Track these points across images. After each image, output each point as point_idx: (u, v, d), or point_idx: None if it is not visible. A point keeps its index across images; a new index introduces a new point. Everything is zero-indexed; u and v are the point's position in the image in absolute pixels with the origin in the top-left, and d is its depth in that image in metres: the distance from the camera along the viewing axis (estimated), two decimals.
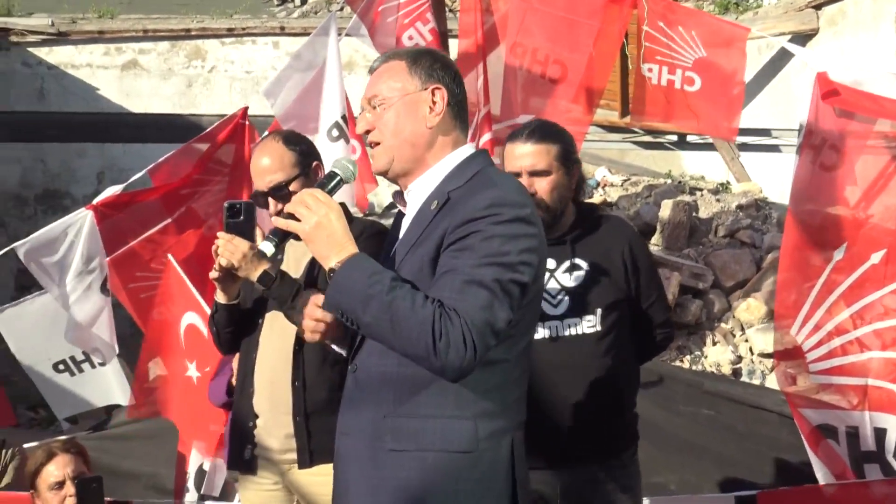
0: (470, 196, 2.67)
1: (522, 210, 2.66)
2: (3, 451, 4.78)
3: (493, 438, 2.69)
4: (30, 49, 13.01)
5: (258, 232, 3.71)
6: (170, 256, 5.05)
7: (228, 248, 3.65)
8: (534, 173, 3.81)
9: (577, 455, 3.78)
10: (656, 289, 4.14)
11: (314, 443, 3.85)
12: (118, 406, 7.11)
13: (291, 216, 2.70)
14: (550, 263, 3.80)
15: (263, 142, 4.00)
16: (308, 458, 3.86)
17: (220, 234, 3.69)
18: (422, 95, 2.82)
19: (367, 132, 2.86)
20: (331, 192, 2.80)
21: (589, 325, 3.82)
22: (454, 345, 2.48)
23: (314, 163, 3.97)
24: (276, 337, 3.92)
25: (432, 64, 2.86)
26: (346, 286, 2.60)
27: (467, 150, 2.88)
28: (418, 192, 2.84)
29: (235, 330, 4.03)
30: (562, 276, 3.84)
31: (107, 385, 5.79)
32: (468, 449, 2.65)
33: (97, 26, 13.15)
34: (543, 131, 3.90)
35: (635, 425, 4.04)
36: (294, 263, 3.96)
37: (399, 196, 2.94)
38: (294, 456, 3.89)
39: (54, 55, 13.05)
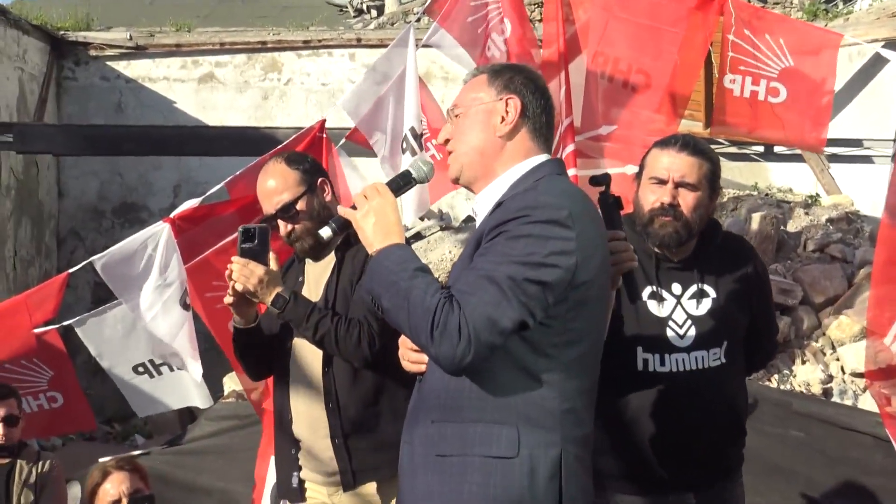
0: (513, 201, 2.72)
1: (558, 212, 2.66)
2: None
3: (538, 448, 2.67)
4: (108, 63, 13.32)
5: (272, 256, 3.76)
6: None
7: (244, 273, 3.70)
8: (682, 185, 3.66)
9: (695, 484, 3.71)
10: (770, 310, 4.06)
11: (356, 463, 3.87)
12: (193, 421, 7.21)
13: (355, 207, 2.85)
14: (676, 289, 3.71)
15: (266, 165, 4.03)
16: (352, 478, 3.87)
17: (235, 258, 3.73)
18: (496, 105, 2.87)
19: (447, 141, 2.95)
20: (400, 189, 2.95)
21: (714, 357, 3.69)
22: (448, 335, 2.54)
23: (319, 179, 4.00)
24: (305, 361, 3.94)
25: (513, 76, 2.91)
26: (377, 271, 2.73)
27: (538, 159, 2.89)
28: (486, 201, 2.88)
29: (259, 354, 4.05)
30: (688, 304, 3.72)
31: (185, 388, 5.83)
32: (507, 454, 2.66)
33: (174, 40, 13.41)
34: (698, 145, 3.76)
35: (743, 447, 3.98)
36: (314, 283, 3.99)
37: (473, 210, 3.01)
38: (339, 478, 3.90)
39: (132, 69, 13.34)
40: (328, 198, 3.99)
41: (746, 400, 3.99)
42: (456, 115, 2.93)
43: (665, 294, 3.70)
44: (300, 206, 3.90)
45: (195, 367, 5.60)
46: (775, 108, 5.67)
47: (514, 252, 2.60)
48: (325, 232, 3.00)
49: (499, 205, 2.75)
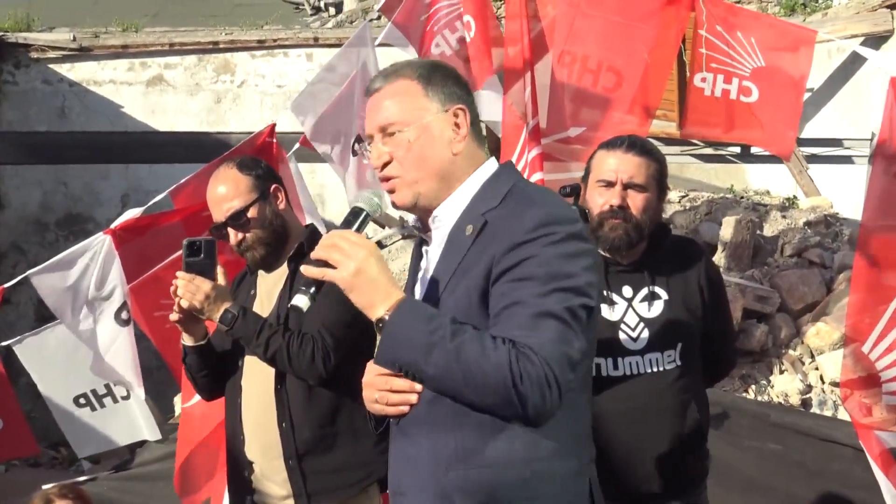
0: (512, 217, 2.55)
1: (574, 226, 2.55)
2: None
3: (573, 480, 2.60)
4: (51, 65, 13.22)
5: (220, 270, 3.74)
6: None
7: (189, 289, 3.68)
8: (631, 186, 3.76)
9: (654, 494, 3.75)
10: (727, 315, 4.12)
11: (311, 485, 3.84)
12: (142, 444, 7.14)
13: (323, 262, 2.52)
14: (627, 292, 3.79)
15: (217, 170, 4.01)
16: (306, 502, 3.85)
17: (180, 273, 3.71)
18: (444, 119, 2.68)
19: (385, 165, 2.70)
20: (358, 230, 2.65)
21: (669, 360, 3.77)
22: (537, 385, 2.35)
23: (273, 186, 3.98)
24: (257, 378, 3.91)
25: (446, 79, 2.73)
26: (402, 337, 2.46)
27: (491, 165, 2.75)
28: (445, 218, 2.71)
29: (211, 373, 4.03)
30: (640, 307, 3.79)
31: (131, 421, 5.77)
32: (550, 495, 2.54)
33: (121, 40, 13.34)
34: (645, 145, 3.87)
35: (706, 460, 4.00)
36: (266, 297, 3.97)
37: (422, 223, 2.80)
38: (293, 502, 3.87)
39: (76, 71, 13.24)
40: (282, 206, 3.97)
41: (707, 408, 4.02)
42: (390, 134, 2.68)
43: (616, 297, 3.78)
44: (251, 213, 3.87)
45: (137, 389, 5.56)
46: (747, 108, 5.69)
47: (554, 276, 2.45)
48: (302, 302, 2.58)
49: (484, 224, 2.58)
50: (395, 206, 2.75)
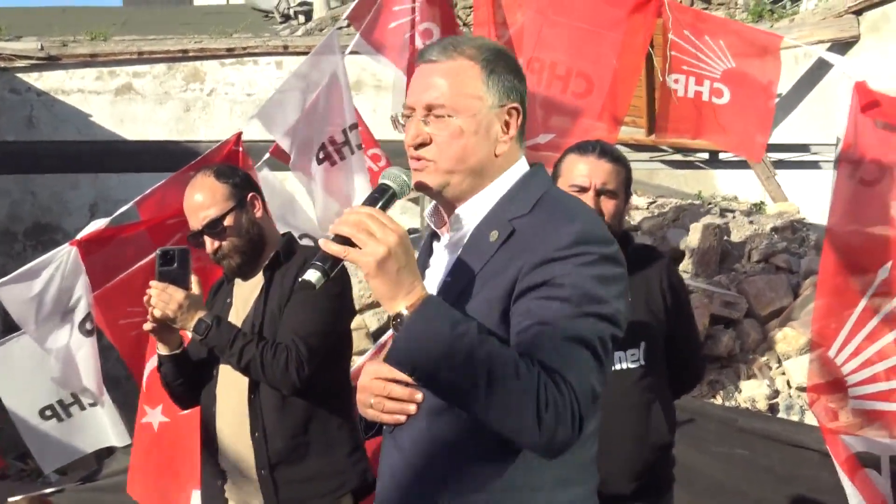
0: (544, 230, 2.35)
1: (609, 247, 2.37)
2: None
3: None
4: (18, 74, 13.11)
5: (194, 279, 3.72)
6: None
7: (162, 298, 3.66)
8: (603, 192, 3.78)
9: (619, 496, 3.74)
10: (690, 320, 4.14)
11: (282, 495, 3.83)
12: (110, 455, 7.09)
13: (346, 241, 2.22)
14: None
15: (194, 178, 4.00)
16: None
17: (153, 283, 3.69)
18: (497, 115, 2.48)
19: (421, 145, 2.47)
20: (383, 210, 2.35)
21: (633, 358, 3.81)
22: (562, 418, 2.16)
23: (250, 194, 3.97)
24: (231, 387, 3.89)
25: (508, 70, 2.51)
26: (423, 337, 2.19)
27: (521, 166, 2.55)
28: (467, 218, 2.50)
29: (186, 382, 4.00)
30: None
31: (99, 427, 5.74)
32: None
33: (89, 49, 13.25)
34: (615, 152, 3.91)
35: (673, 467, 4.01)
36: (242, 305, 3.96)
37: (437, 216, 2.60)
38: None
39: (44, 80, 13.14)
40: (258, 214, 3.96)
41: (673, 413, 4.03)
42: (437, 115, 2.45)
43: None
44: (228, 221, 3.86)
45: (100, 399, 5.53)
46: (719, 110, 5.70)
47: (587, 299, 2.27)
48: (313, 276, 2.24)
49: (511, 231, 2.38)
50: (417, 186, 2.50)
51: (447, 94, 2.45)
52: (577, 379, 2.20)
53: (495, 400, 2.16)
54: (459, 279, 2.43)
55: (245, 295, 3.97)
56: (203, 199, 3.88)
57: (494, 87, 2.47)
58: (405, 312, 2.21)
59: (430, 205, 2.65)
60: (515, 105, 2.49)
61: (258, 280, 3.94)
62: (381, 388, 2.42)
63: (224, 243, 3.86)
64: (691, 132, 6.11)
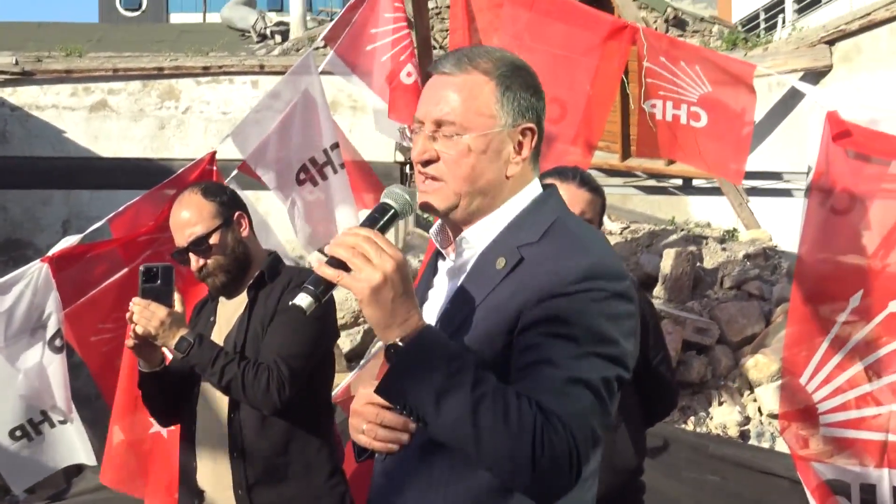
0: (553, 261, 2.22)
1: (621, 283, 2.23)
2: None
3: None
4: None
5: (177, 297, 3.69)
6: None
7: (144, 315, 3.62)
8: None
9: None
10: (662, 347, 4.14)
11: None
12: (79, 474, 7.03)
13: (340, 264, 2.12)
14: None
15: (181, 195, 3.98)
16: None
17: (136, 299, 3.66)
18: (510, 135, 2.35)
19: (428, 162, 2.35)
20: (382, 231, 2.24)
21: None
22: (557, 464, 2.05)
23: (236, 213, 3.96)
24: (212, 406, 3.87)
25: (525, 87, 2.38)
26: (415, 372, 2.10)
27: (533, 188, 2.41)
28: (473, 241, 2.38)
29: (167, 399, 3.97)
30: None
31: (68, 444, 5.68)
32: None
33: (64, 65, 13.21)
34: (592, 182, 3.92)
35: (642, 493, 4.00)
36: (226, 324, 3.94)
37: (443, 235, 2.47)
38: None
39: (18, 96, 13.08)
40: (245, 233, 3.94)
41: (643, 438, 4.03)
42: (446, 134, 2.33)
43: None
44: (213, 239, 3.84)
45: (69, 416, 5.48)
46: (697, 133, 5.72)
47: (593, 340, 2.15)
48: (304, 301, 2.15)
49: (520, 260, 2.26)
50: (423, 207, 2.39)
51: (458, 110, 2.32)
52: (577, 423, 2.08)
53: (488, 442, 2.05)
54: (462, 307, 2.31)
55: (229, 314, 3.94)
56: (190, 217, 3.86)
57: (509, 106, 2.34)
58: (400, 344, 2.12)
59: (436, 223, 2.52)
60: (530, 125, 2.36)
61: (242, 299, 3.92)
62: (373, 415, 2.29)
63: (209, 261, 3.84)
64: (670, 154, 6.14)
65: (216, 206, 3.89)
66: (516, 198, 2.38)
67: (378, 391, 2.18)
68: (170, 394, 3.93)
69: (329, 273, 2.11)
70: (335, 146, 6.22)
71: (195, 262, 3.85)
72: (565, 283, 2.17)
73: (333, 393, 4.31)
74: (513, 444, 2.04)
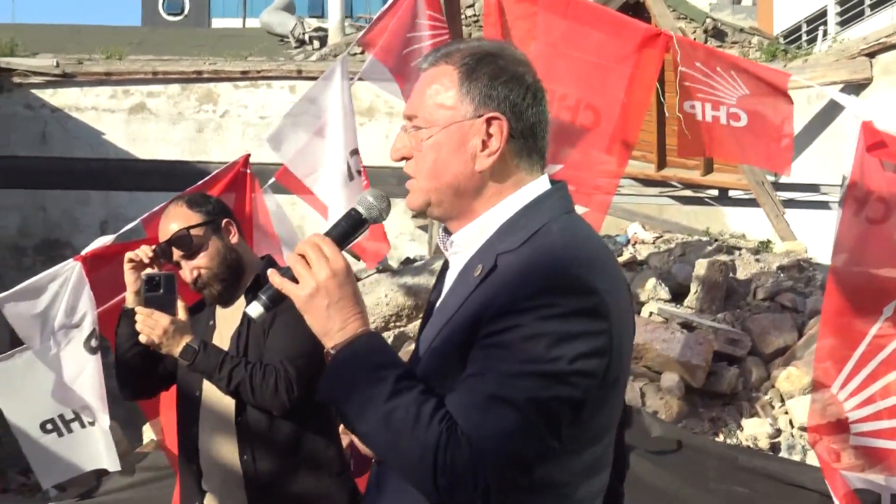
0: (519, 272, 2.10)
1: (586, 299, 2.07)
2: None
3: None
4: (33, 91, 13.20)
5: (180, 305, 3.73)
6: None
7: (148, 324, 3.66)
8: None
9: None
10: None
11: None
12: (108, 473, 7.07)
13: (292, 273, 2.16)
14: None
15: (167, 209, 4.01)
16: None
17: (139, 308, 3.70)
18: (473, 126, 2.20)
19: (404, 159, 2.30)
20: (348, 237, 2.26)
21: None
22: (459, 482, 1.99)
23: (224, 220, 3.96)
24: (216, 409, 3.88)
25: (495, 77, 2.22)
26: (343, 379, 2.12)
27: (531, 190, 2.26)
28: (462, 246, 2.29)
29: (144, 379, 4.04)
30: None
31: (95, 447, 5.71)
32: None
33: (104, 67, 13.34)
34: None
35: None
36: (226, 328, 3.95)
37: (447, 237, 2.37)
38: None
39: (58, 97, 13.22)
40: (234, 239, 3.95)
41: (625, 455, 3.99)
42: (414, 128, 2.26)
43: None
44: (196, 232, 3.84)
45: (102, 417, 5.51)
46: (738, 132, 5.69)
47: (533, 359, 2.02)
48: (254, 311, 2.24)
49: (493, 267, 2.15)
50: (408, 207, 2.36)
51: (418, 103, 2.27)
52: (489, 444, 1.99)
53: (397, 454, 2.06)
54: (444, 314, 2.24)
55: (228, 319, 3.95)
56: (178, 229, 3.87)
57: (470, 94, 2.21)
58: (331, 352, 2.16)
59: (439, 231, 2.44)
60: (495, 114, 2.20)
61: (239, 304, 3.92)
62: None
63: (203, 272, 3.84)
64: (712, 152, 6.12)
65: (202, 216, 3.89)
66: (508, 201, 2.25)
67: (317, 395, 2.20)
68: (148, 376, 4.01)
69: (275, 281, 2.17)
70: (354, 152, 6.23)
71: (189, 273, 3.85)
72: (519, 298, 2.06)
73: None
74: (417, 459, 2.02)
